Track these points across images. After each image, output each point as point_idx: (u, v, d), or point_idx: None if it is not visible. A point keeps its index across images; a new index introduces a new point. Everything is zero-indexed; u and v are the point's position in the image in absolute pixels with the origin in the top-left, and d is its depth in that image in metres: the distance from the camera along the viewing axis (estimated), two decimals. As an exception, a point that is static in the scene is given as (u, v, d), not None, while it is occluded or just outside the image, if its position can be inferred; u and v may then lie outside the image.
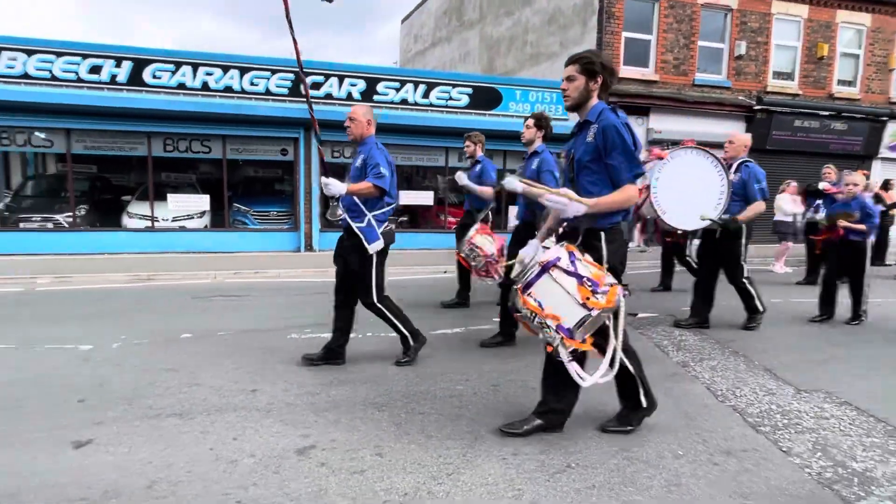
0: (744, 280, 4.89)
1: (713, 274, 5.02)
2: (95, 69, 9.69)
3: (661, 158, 4.53)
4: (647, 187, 4.47)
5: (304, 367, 3.70)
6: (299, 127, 10.83)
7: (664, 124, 12.42)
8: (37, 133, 10.01)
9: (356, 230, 3.50)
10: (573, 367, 2.37)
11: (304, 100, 11.21)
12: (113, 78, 9.80)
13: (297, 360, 3.79)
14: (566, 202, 2.35)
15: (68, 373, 3.53)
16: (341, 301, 3.73)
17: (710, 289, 5.01)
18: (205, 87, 10.24)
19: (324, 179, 3.36)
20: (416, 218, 12.67)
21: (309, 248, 11.04)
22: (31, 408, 2.96)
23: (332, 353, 3.75)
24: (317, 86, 10.78)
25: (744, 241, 4.83)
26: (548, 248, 2.45)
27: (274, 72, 10.61)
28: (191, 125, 10.30)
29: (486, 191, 5.41)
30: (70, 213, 10.09)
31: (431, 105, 11.39)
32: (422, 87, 11.32)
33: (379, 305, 3.63)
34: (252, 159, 11.67)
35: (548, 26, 13.89)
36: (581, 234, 2.49)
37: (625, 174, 2.42)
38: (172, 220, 10.61)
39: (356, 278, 3.62)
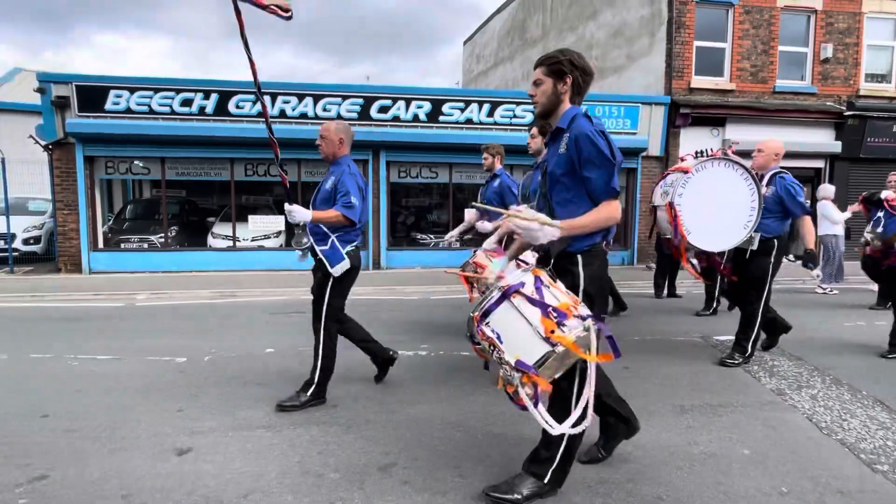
0: (758, 309, 4.24)
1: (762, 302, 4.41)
2: (187, 102, 10.57)
3: (684, 172, 4.01)
4: (671, 205, 3.98)
5: (381, 384, 3.77)
6: (368, 149, 11.23)
7: (742, 135, 11.77)
8: (136, 162, 11.02)
9: (319, 254, 3.29)
10: (539, 412, 1.99)
11: (371, 123, 11.39)
12: (201, 109, 10.63)
13: (372, 376, 3.88)
14: (537, 227, 2.03)
15: (167, 383, 3.80)
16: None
17: (774, 314, 4.56)
18: (282, 114, 10.88)
19: (287, 206, 3.18)
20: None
21: (377, 266, 11.34)
22: (137, 415, 3.20)
23: (385, 363, 3.79)
24: (385, 109, 11.16)
25: (773, 258, 4.20)
26: (523, 266, 2.20)
27: (344, 97, 11.11)
28: (269, 151, 10.94)
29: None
30: (162, 234, 10.98)
31: (496, 124, 11.46)
32: (486, 107, 11.43)
33: (322, 333, 3.33)
34: (318, 181, 12.19)
35: (613, 39, 13.67)
36: (553, 257, 2.16)
37: (602, 189, 2.09)
38: (252, 240, 11.27)
39: (316, 297, 3.38)
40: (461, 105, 11.40)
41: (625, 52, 13.23)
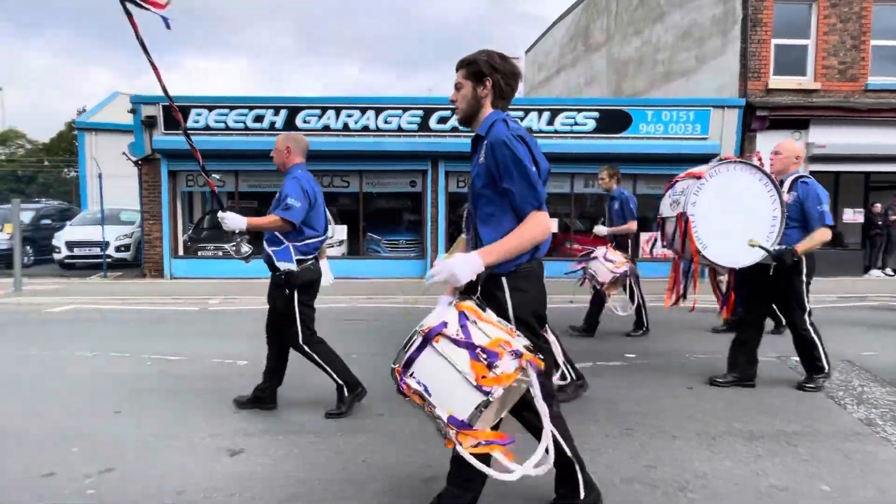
0: (807, 326, 3.83)
1: (759, 325, 4.04)
2: (259, 118, 11.19)
3: (697, 178, 3.61)
4: (682, 216, 3.60)
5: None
6: (427, 160, 11.39)
7: (829, 137, 10.87)
8: (214, 175, 11.78)
9: (269, 252, 3.23)
10: (483, 466, 1.73)
11: (430, 134, 11.58)
12: (272, 125, 11.22)
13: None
14: (448, 271, 1.77)
15: (228, 385, 3.98)
16: (269, 337, 3.49)
17: (754, 342, 3.99)
18: (345, 127, 11.26)
19: (220, 214, 3.18)
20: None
21: (435, 275, 11.43)
22: (195, 414, 3.38)
23: (260, 399, 3.45)
24: (444, 120, 11.27)
25: (804, 277, 3.80)
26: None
27: (405, 110, 11.33)
28: (333, 163, 11.37)
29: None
30: (234, 243, 11.63)
31: (556, 132, 11.26)
32: (546, 115, 11.27)
33: (306, 349, 3.29)
34: (384, 192, 12.47)
35: (681, 42, 13.08)
36: (479, 282, 1.89)
37: (526, 201, 1.85)
38: (315, 249, 11.71)
39: (282, 319, 3.31)
40: (520, 114, 11.30)
41: (694, 53, 12.62)
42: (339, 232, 11.87)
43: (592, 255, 5.46)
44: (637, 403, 3.59)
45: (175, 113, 3.14)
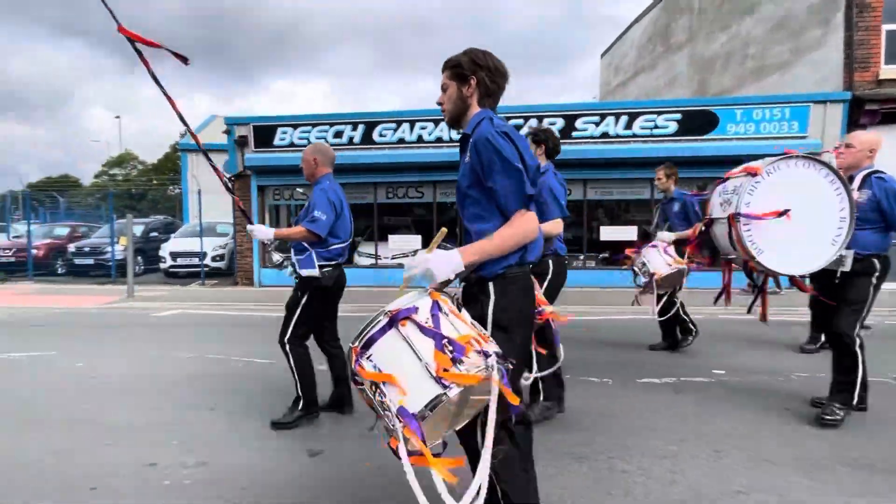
0: (855, 337, 3.30)
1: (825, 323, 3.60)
2: (339, 134, 11.75)
3: (753, 174, 3.19)
4: (735, 216, 3.18)
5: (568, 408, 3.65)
6: (500, 169, 11.36)
7: (955, 131, 9.59)
8: (297, 189, 12.50)
9: (294, 261, 3.37)
10: (414, 481, 1.43)
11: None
12: (350, 139, 11.74)
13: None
14: (425, 266, 1.68)
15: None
16: (320, 346, 3.62)
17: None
18: (419, 139, 11.53)
19: (249, 227, 3.36)
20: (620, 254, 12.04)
21: (508, 284, 11.35)
22: (279, 414, 3.57)
23: (335, 404, 3.61)
24: (518, 129, 11.23)
25: (874, 279, 3.33)
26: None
27: (478, 120, 11.42)
28: (408, 174, 11.68)
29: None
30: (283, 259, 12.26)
31: (634, 136, 10.85)
32: (623, 119, 10.89)
33: (287, 348, 3.37)
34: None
35: (774, 34, 12.15)
36: (460, 281, 1.83)
37: (512, 200, 1.76)
38: (392, 258, 12.03)
39: (287, 312, 3.43)
40: (596, 119, 11.01)
41: (788, 46, 11.67)
42: (414, 242, 12.14)
43: (651, 244, 5.00)
44: (727, 423, 3.34)
45: (193, 137, 3.29)
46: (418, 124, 11.52)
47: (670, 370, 4.59)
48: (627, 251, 5.30)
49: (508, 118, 11.22)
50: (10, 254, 13.84)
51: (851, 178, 3.35)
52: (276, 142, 11.87)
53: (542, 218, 3.28)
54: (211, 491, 2.55)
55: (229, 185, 3.43)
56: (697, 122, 10.63)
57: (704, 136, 10.56)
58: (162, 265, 13.73)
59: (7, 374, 4.76)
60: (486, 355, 1.51)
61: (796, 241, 3.19)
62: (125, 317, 8.11)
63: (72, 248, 13.98)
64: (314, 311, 3.41)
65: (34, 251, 13.61)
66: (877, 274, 3.33)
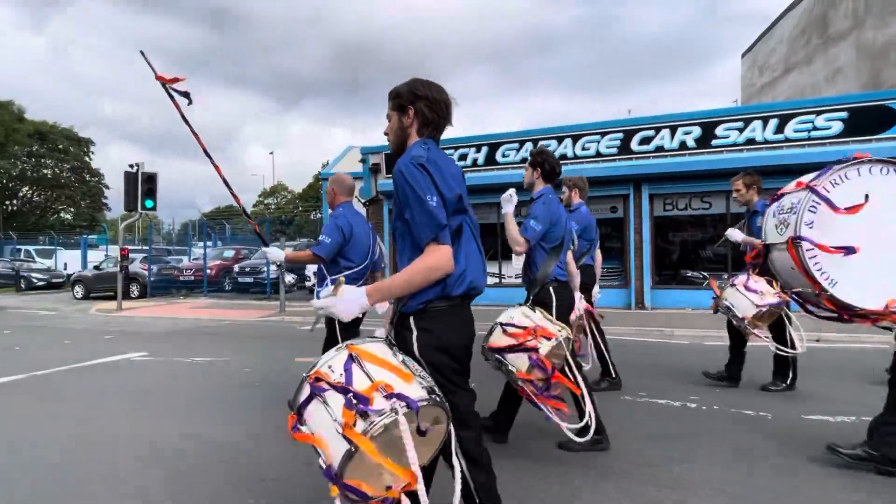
0: None
1: None
2: (463, 157, 12.14)
3: (813, 191, 2.58)
4: (795, 240, 2.57)
5: (642, 436, 3.48)
6: (629, 184, 10.86)
7: None
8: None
9: (316, 290, 3.26)
10: None
11: (632, 156, 10.96)
12: (474, 161, 12.06)
13: (629, 422, 3.61)
14: (332, 306, 1.66)
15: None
16: None
17: None
18: None
19: (264, 248, 3.51)
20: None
21: (640, 305, 10.68)
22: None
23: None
24: (647, 140, 10.68)
25: None
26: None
27: (603, 134, 11.06)
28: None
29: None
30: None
31: (787, 140, 9.71)
32: (773, 122, 9.82)
33: None
34: (583, 219, 12.24)
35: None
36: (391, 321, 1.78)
37: (422, 232, 1.65)
38: (516, 276, 12.03)
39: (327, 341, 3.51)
40: (739, 124, 10.07)
41: None
42: (538, 260, 12.03)
43: (731, 282, 4.31)
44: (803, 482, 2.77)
45: (217, 169, 3.35)
46: (541, 143, 11.48)
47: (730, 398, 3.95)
48: (714, 288, 4.47)
49: (637, 130, 10.72)
50: (190, 273, 16.37)
51: None
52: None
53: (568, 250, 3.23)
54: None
55: (245, 210, 3.75)
56: (868, 119, 9.21)
57: (878, 136, 9.11)
58: (307, 283, 15.18)
59: (197, 375, 5.59)
60: (394, 398, 1.47)
61: (882, 267, 2.53)
62: (278, 329, 9.09)
63: (236, 268, 16.08)
64: (349, 328, 3.38)
65: (208, 271, 15.91)
66: None
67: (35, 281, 19.48)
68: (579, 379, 2.84)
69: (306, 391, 1.58)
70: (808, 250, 2.59)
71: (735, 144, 10.07)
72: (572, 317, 3.63)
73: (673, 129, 10.53)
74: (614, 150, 10.95)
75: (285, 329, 9.08)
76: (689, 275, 11.35)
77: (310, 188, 47.42)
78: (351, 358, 1.59)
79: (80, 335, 4.31)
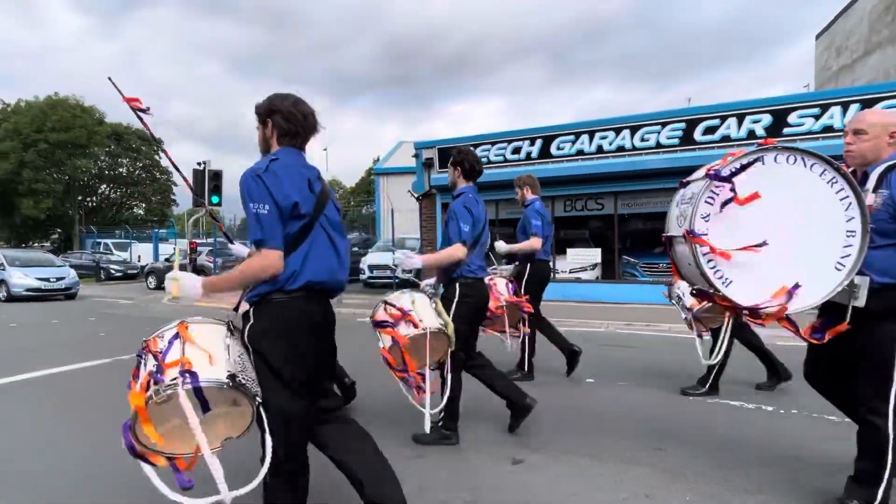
0: (890, 421, 2.20)
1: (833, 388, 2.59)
2: (516, 150, 12.04)
3: (713, 178, 2.26)
4: (690, 234, 2.28)
5: (718, 434, 3.37)
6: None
7: None
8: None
9: None
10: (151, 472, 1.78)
11: (694, 147, 10.50)
12: (528, 155, 11.92)
13: (705, 424, 3.50)
14: (169, 286, 1.92)
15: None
16: None
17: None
18: (599, 150, 11.19)
19: (230, 245, 3.57)
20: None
21: (702, 302, 10.26)
22: (482, 423, 3.74)
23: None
24: (712, 129, 10.20)
25: None
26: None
27: (664, 124, 10.66)
28: (586, 186, 11.41)
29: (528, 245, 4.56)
30: (495, 266, 12.64)
31: (870, 127, 9.01)
32: (853, 108, 9.14)
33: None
34: (641, 212, 11.88)
35: None
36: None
37: (252, 235, 1.88)
38: (570, 272, 11.83)
39: None
40: (815, 111, 9.44)
41: None
42: (593, 256, 11.76)
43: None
44: None
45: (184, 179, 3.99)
46: (598, 134, 11.21)
47: None
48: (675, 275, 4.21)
49: (700, 119, 10.26)
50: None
51: (866, 176, 2.35)
52: (459, 162, 12.64)
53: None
54: (428, 482, 2.79)
55: (214, 215, 4.17)
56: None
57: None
58: (362, 276, 15.54)
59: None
60: (186, 374, 1.71)
61: (784, 265, 2.28)
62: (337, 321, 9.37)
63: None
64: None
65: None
66: None
67: (113, 272, 20.97)
68: (444, 378, 3.03)
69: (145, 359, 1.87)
70: (700, 249, 2.34)
71: (810, 133, 9.45)
72: (492, 305, 3.94)
73: (740, 118, 10.00)
74: (676, 141, 10.52)
75: (344, 320, 9.34)
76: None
77: (362, 182, 48.33)
78: (177, 335, 1.85)
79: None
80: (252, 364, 1.89)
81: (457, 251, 3.13)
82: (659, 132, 10.67)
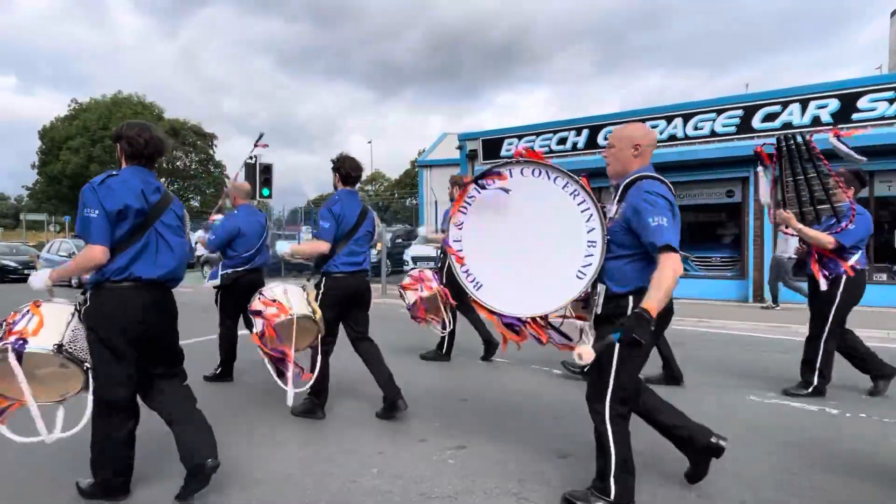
0: (606, 413, 2.34)
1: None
2: (562, 140, 11.81)
3: (463, 187, 2.66)
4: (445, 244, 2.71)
5: (774, 441, 3.22)
6: (748, 165, 9.92)
7: None
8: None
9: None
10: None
11: (752, 135, 10.10)
12: (574, 145, 11.68)
13: (759, 426, 3.35)
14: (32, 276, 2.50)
15: (550, 389, 4.27)
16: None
17: None
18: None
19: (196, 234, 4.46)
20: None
21: (758, 298, 9.78)
22: (525, 414, 3.73)
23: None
24: (772, 116, 9.67)
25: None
26: None
27: (719, 112, 10.20)
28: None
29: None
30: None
31: (955, 111, 8.30)
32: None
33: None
34: (694, 204, 11.43)
35: None
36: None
37: (79, 231, 2.36)
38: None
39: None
40: (889, 94, 8.79)
41: None
42: (642, 248, 11.44)
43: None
44: None
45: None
46: (648, 123, 10.82)
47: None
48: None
49: (760, 105, 9.74)
50: (298, 258, 17.75)
51: (617, 188, 2.44)
52: (503, 153, 12.52)
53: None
54: (473, 471, 2.81)
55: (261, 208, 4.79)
56: None
57: None
58: (405, 268, 15.70)
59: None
60: (19, 342, 2.17)
61: (532, 272, 2.50)
62: (381, 312, 9.52)
63: (339, 251, 17.05)
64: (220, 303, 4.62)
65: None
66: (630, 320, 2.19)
67: (172, 261, 22.04)
68: (316, 361, 3.45)
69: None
70: (456, 256, 2.64)
71: (883, 118, 8.80)
72: (425, 293, 4.80)
73: (804, 103, 9.42)
74: (732, 129, 10.04)
75: (388, 310, 9.49)
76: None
77: (406, 175, 48.73)
78: (29, 311, 2.31)
79: (209, 309, 4.91)
80: (85, 337, 2.35)
81: (319, 246, 3.55)
82: (714, 120, 10.21)
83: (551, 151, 11.88)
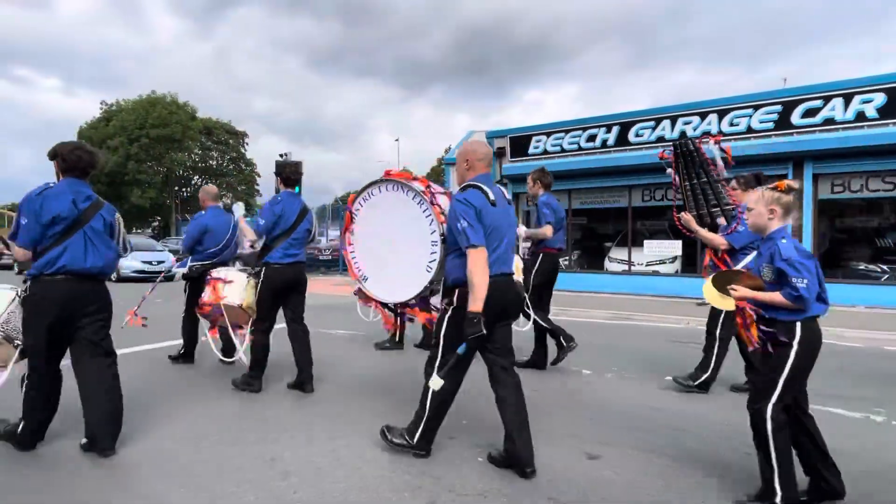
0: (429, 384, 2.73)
1: None
2: (591, 138, 11.65)
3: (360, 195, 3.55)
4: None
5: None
6: (787, 162, 9.63)
7: None
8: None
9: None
10: None
11: (792, 131, 9.72)
12: (604, 142, 11.51)
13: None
14: None
15: (577, 392, 4.22)
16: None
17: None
18: (682, 136, 10.57)
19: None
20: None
21: (796, 300, 9.48)
22: (555, 415, 3.70)
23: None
24: (812, 112, 9.34)
25: (451, 312, 2.73)
26: None
27: (756, 107, 9.90)
28: (665, 175, 10.83)
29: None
30: (566, 258, 12.34)
31: None
32: None
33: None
34: (728, 202, 11.13)
35: None
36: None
37: (13, 233, 2.82)
38: (647, 265, 11.34)
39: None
40: (938, 88, 8.37)
41: None
42: (674, 248, 11.20)
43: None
44: None
45: None
46: (681, 119, 10.61)
47: None
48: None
49: (800, 100, 9.42)
50: (328, 254, 17.92)
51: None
52: (531, 150, 12.44)
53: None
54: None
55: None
56: None
57: None
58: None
59: (346, 349, 6.13)
60: None
61: (399, 267, 3.21)
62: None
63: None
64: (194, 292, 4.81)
65: (343, 252, 17.36)
66: (454, 307, 2.69)
67: (205, 257, 22.65)
68: (235, 340, 4.27)
69: None
70: (349, 244, 3.50)
71: (934, 113, 8.39)
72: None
73: (847, 98, 9.06)
74: (770, 125, 9.73)
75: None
76: (861, 268, 9.81)
77: (433, 172, 48.86)
78: None
79: None
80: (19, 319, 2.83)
81: (251, 237, 4.13)
82: (751, 116, 9.92)
83: (580, 149, 11.74)
